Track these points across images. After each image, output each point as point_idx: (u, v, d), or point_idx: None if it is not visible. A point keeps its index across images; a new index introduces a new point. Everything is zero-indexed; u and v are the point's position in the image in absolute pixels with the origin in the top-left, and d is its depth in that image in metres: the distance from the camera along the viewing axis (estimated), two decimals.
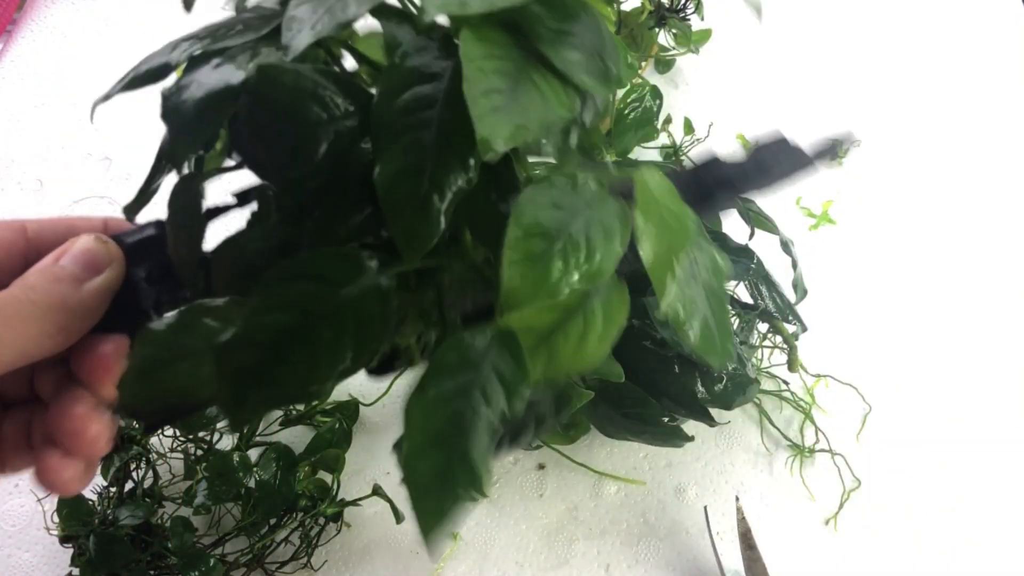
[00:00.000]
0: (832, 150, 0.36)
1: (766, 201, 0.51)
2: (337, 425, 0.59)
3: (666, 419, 0.52)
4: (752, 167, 0.34)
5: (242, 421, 0.24)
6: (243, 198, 0.29)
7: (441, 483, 0.23)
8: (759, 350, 0.62)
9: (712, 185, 0.34)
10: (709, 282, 0.29)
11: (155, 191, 0.29)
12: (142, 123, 0.75)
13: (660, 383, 0.51)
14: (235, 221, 0.29)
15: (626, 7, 0.70)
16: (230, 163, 0.29)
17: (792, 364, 0.59)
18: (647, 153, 0.74)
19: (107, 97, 0.28)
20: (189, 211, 0.28)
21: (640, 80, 0.70)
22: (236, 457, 0.53)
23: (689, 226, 0.28)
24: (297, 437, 0.60)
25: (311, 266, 0.25)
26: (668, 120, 0.74)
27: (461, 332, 0.25)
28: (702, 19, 0.74)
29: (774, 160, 0.34)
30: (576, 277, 0.24)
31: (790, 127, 0.76)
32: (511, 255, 0.23)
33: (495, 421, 0.24)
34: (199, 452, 0.56)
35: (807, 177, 0.35)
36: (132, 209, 0.30)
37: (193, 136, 0.26)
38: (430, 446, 0.23)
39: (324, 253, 0.25)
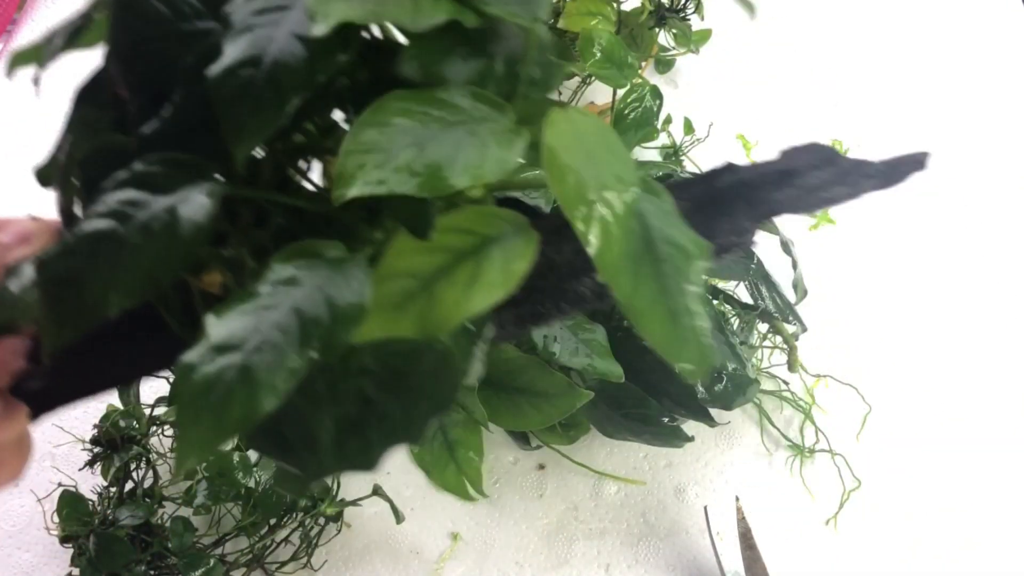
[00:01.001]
0: (909, 167, 0.28)
1: None
2: None
3: (666, 419, 0.53)
4: (776, 172, 0.27)
5: (61, 338, 0.22)
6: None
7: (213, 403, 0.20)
8: (759, 350, 0.62)
9: (725, 196, 0.28)
10: (669, 254, 0.23)
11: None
12: None
13: (660, 383, 0.51)
14: None
15: (626, 7, 0.70)
16: None
17: (792, 364, 0.59)
18: (647, 153, 0.74)
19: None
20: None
21: (640, 80, 0.69)
22: (236, 457, 0.53)
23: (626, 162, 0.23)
24: None
25: (140, 172, 0.23)
26: (668, 120, 0.74)
27: (311, 241, 0.22)
28: (702, 19, 0.74)
29: (804, 165, 0.27)
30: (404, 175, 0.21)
31: (790, 127, 0.76)
32: (349, 145, 0.21)
33: (300, 364, 0.20)
34: None
35: (861, 195, 0.27)
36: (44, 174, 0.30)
37: None
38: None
39: (158, 159, 0.23)
